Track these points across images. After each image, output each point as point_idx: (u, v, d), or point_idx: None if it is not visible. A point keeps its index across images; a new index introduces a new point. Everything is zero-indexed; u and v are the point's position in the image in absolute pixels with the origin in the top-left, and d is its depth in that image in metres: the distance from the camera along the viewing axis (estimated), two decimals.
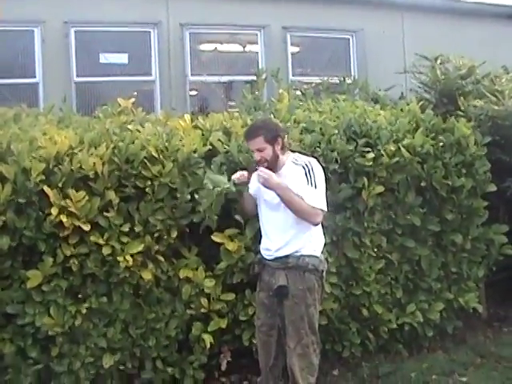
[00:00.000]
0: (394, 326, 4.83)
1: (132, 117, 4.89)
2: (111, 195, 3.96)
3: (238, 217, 4.24)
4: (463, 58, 6.11)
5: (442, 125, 5.09)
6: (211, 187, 3.82)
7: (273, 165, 3.75)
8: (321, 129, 4.64)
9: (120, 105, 5.05)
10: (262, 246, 3.93)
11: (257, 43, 9.01)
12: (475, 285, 5.26)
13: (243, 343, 4.37)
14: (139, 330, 4.14)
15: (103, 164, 3.93)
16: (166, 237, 4.14)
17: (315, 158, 3.98)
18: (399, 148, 4.66)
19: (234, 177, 3.88)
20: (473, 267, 5.22)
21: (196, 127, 4.60)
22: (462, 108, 5.52)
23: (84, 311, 3.94)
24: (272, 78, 6.60)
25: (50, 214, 3.78)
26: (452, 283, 5.15)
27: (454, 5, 9.71)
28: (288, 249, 3.76)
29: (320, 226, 3.84)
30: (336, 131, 4.60)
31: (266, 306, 3.91)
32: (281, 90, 5.72)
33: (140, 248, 3.98)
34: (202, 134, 4.50)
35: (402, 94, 6.70)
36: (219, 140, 4.39)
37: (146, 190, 4.06)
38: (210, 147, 4.35)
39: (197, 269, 4.21)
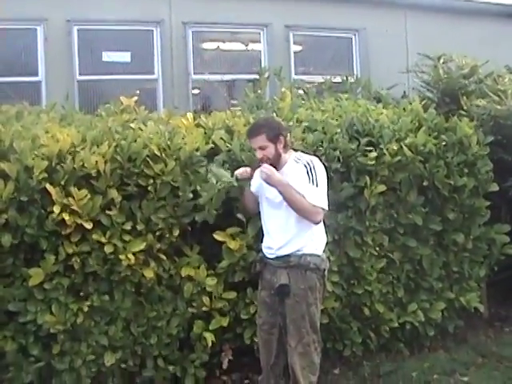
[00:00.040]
0: (396, 325, 4.82)
1: (134, 115, 4.90)
2: (113, 193, 3.96)
3: (239, 215, 4.24)
4: (466, 58, 6.10)
5: (444, 124, 5.09)
6: (214, 181, 3.83)
7: (275, 163, 3.75)
8: (323, 128, 4.63)
9: (122, 103, 5.06)
10: (264, 245, 3.93)
11: (259, 42, 9.01)
12: (477, 284, 5.25)
13: (244, 342, 4.37)
14: (141, 328, 4.15)
15: (105, 162, 3.94)
16: (167, 235, 4.14)
17: (317, 156, 3.98)
18: (401, 147, 4.66)
19: (237, 172, 3.90)
20: (474, 267, 5.21)
21: (198, 126, 4.60)
22: (465, 107, 5.51)
23: (86, 309, 3.94)
24: (274, 77, 6.60)
25: (52, 211, 3.78)
26: (453, 283, 5.15)
27: (456, 4, 9.70)
28: (290, 247, 3.76)
29: (322, 224, 3.84)
30: (338, 130, 4.60)
31: (268, 304, 3.91)
32: (283, 89, 5.71)
33: (142, 246, 3.99)
34: (205, 133, 4.50)
35: (405, 92, 6.70)
36: (221, 138, 4.39)
37: (149, 188, 4.06)
38: (213, 146, 4.35)
39: (198, 267, 4.21)
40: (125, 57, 8.24)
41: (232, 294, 4.31)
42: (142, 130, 4.31)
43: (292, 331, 3.77)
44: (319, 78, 7.20)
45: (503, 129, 5.39)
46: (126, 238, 3.99)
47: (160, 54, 8.36)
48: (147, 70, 8.42)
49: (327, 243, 3.96)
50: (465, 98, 5.61)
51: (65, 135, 3.98)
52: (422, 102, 5.34)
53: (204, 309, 4.25)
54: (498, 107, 5.40)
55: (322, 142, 4.48)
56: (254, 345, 4.30)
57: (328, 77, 6.93)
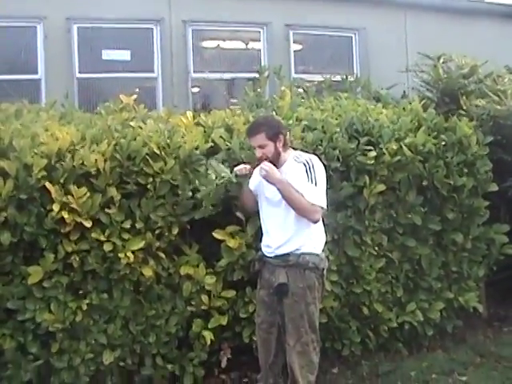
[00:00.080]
0: (394, 324, 4.83)
1: (134, 113, 4.89)
2: (113, 192, 3.96)
3: (239, 214, 4.25)
4: (465, 57, 6.10)
5: (443, 124, 5.09)
6: (213, 177, 3.84)
7: (274, 162, 3.75)
8: (323, 127, 4.63)
9: (122, 101, 5.04)
10: (263, 243, 3.93)
11: (259, 40, 9.00)
12: (475, 284, 5.26)
13: (243, 340, 4.37)
14: (139, 327, 4.15)
15: (105, 160, 3.93)
16: (167, 233, 4.14)
17: (316, 155, 3.98)
18: (401, 147, 4.66)
19: (236, 169, 3.90)
20: (473, 267, 5.22)
21: (198, 124, 4.61)
22: (464, 107, 5.51)
23: (84, 307, 3.94)
24: (274, 76, 6.60)
25: (52, 210, 3.78)
26: (452, 282, 5.15)
27: (456, 3, 9.70)
28: (288, 246, 3.76)
29: (321, 223, 3.85)
30: (338, 129, 4.60)
31: (267, 303, 3.91)
32: (283, 88, 5.71)
33: (141, 245, 3.99)
34: (204, 131, 4.50)
35: (404, 92, 6.69)
36: (221, 137, 4.39)
37: (148, 186, 4.06)
38: (212, 144, 4.35)
39: (197, 266, 4.21)
40: (124, 55, 8.23)
41: (231, 293, 4.31)
42: (141, 129, 4.31)
43: (291, 330, 3.77)
44: (319, 77, 7.21)
45: (503, 129, 5.40)
46: (125, 236, 3.99)
47: (160, 52, 8.35)
48: (147, 68, 8.41)
49: (326, 242, 3.96)
50: (464, 97, 5.61)
51: (64, 133, 3.98)
52: (422, 102, 5.34)
53: (203, 307, 4.25)
54: (498, 107, 5.41)
55: (322, 141, 4.48)
56: (252, 344, 4.30)
57: (328, 76, 6.93)
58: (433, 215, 4.94)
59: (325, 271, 3.86)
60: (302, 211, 3.68)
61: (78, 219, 3.84)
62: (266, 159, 3.74)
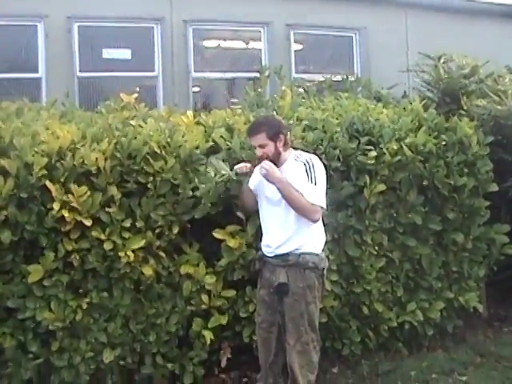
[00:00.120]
0: (395, 324, 4.83)
1: (134, 112, 4.90)
2: (113, 190, 3.96)
3: (239, 213, 4.24)
4: (466, 57, 6.11)
5: (444, 124, 5.09)
6: (212, 174, 3.84)
7: (275, 161, 3.75)
8: (323, 126, 4.63)
9: (123, 100, 5.06)
10: (263, 243, 3.93)
11: (260, 40, 9.00)
12: (476, 284, 5.26)
13: (243, 340, 4.37)
14: (139, 326, 4.15)
15: (105, 159, 3.93)
16: (167, 232, 4.14)
17: (317, 155, 3.98)
18: (401, 146, 4.65)
19: (236, 167, 3.91)
20: (474, 266, 5.22)
21: (198, 123, 4.61)
22: (465, 107, 5.51)
23: (85, 306, 3.94)
24: (275, 75, 6.60)
25: (52, 208, 3.78)
26: (453, 282, 5.15)
27: (457, 3, 9.69)
28: (288, 246, 3.75)
29: (321, 223, 3.85)
30: (338, 129, 4.60)
31: (267, 302, 3.91)
32: (283, 87, 5.72)
33: (141, 243, 3.99)
34: (205, 131, 4.50)
35: (405, 92, 6.70)
36: (221, 136, 4.39)
37: (148, 185, 4.06)
38: (213, 143, 4.35)
39: (198, 265, 4.21)
40: (125, 54, 8.23)
41: (231, 292, 4.31)
42: (142, 128, 4.31)
43: (291, 330, 3.77)
44: (319, 77, 7.22)
45: (503, 129, 5.40)
46: (126, 235, 3.99)
47: (160, 51, 8.35)
48: (147, 67, 8.41)
49: (326, 242, 3.96)
50: (465, 97, 5.62)
51: (65, 132, 3.98)
52: (423, 102, 5.34)
53: (203, 307, 4.25)
54: (499, 107, 5.41)
55: (322, 141, 4.48)
56: (252, 343, 4.30)
57: (328, 75, 6.94)
58: (433, 215, 4.94)
59: (325, 271, 3.86)
60: (301, 211, 3.68)
61: (79, 218, 3.84)
62: (266, 159, 3.74)
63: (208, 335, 4.20)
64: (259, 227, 4.05)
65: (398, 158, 4.63)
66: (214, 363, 4.44)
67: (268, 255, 3.86)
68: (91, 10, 7.75)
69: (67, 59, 7.86)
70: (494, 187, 5.18)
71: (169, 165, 4.07)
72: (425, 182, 4.84)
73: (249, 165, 3.89)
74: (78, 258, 3.90)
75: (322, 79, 6.91)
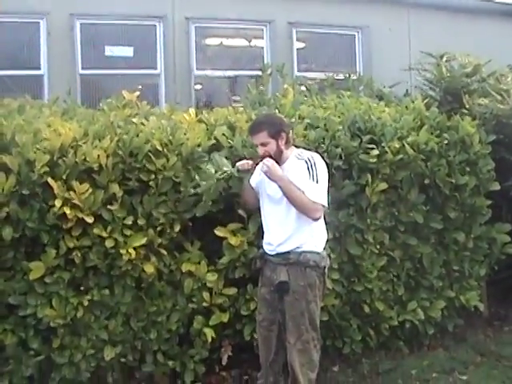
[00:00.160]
0: (395, 323, 4.83)
1: (136, 110, 4.90)
2: (115, 188, 3.96)
3: (241, 211, 4.24)
4: (469, 56, 6.10)
5: (446, 123, 5.08)
6: (213, 171, 3.84)
7: (276, 159, 3.75)
8: (325, 125, 4.63)
9: (125, 98, 5.05)
10: (264, 241, 3.93)
11: (262, 38, 8.99)
12: (477, 283, 5.26)
13: (244, 338, 4.37)
14: (140, 323, 4.15)
15: (107, 157, 3.93)
16: (168, 230, 4.14)
17: (319, 153, 3.98)
18: (403, 145, 4.65)
19: (238, 164, 3.91)
20: (475, 266, 5.22)
21: (200, 121, 4.60)
22: (467, 106, 5.51)
23: (86, 303, 3.94)
24: (277, 74, 6.61)
25: (54, 205, 3.78)
26: (454, 281, 5.15)
27: (459, 2, 9.67)
28: (289, 244, 3.75)
29: (322, 221, 3.84)
30: (340, 127, 4.60)
31: (268, 301, 3.91)
32: (286, 86, 5.72)
33: (143, 241, 3.99)
34: (207, 129, 4.50)
35: (407, 91, 6.69)
36: (223, 134, 4.39)
37: (150, 183, 4.06)
38: (215, 141, 4.35)
39: (199, 263, 4.22)
40: (127, 51, 8.23)
41: (232, 290, 4.31)
42: (144, 125, 4.31)
43: (291, 328, 3.77)
44: (321, 75, 7.21)
45: (505, 128, 5.39)
46: (127, 232, 4.00)
47: (163, 49, 8.34)
48: (150, 65, 8.40)
49: (328, 240, 3.96)
50: (467, 96, 5.61)
51: (67, 129, 3.98)
52: (425, 101, 5.34)
53: (204, 304, 4.25)
54: (501, 106, 5.40)
55: (324, 139, 4.48)
56: (253, 341, 4.30)
57: (330, 74, 6.93)
58: (435, 214, 4.94)
59: (326, 269, 3.86)
60: (302, 209, 3.68)
61: (80, 215, 3.84)
62: (268, 157, 3.74)
63: (209, 333, 4.20)
64: (261, 225, 4.05)
65: (400, 156, 4.62)
66: (215, 361, 4.44)
67: (269, 253, 3.86)
68: (93, 8, 7.75)
69: (69, 57, 7.85)
70: (496, 186, 5.18)
71: (170, 163, 4.07)
72: (426, 181, 4.83)
73: (251, 162, 3.89)
74: (79, 255, 3.90)
75: (324, 77, 6.91)
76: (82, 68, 7.96)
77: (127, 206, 4.04)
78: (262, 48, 8.99)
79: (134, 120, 4.44)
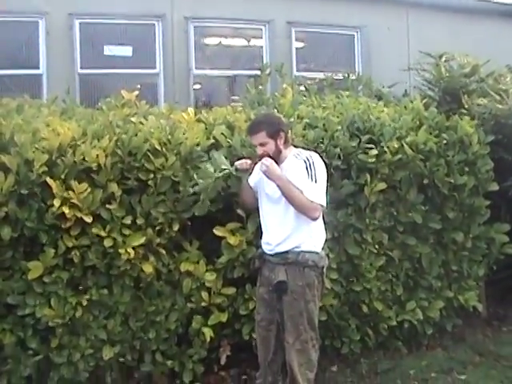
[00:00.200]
0: (394, 323, 4.83)
1: (135, 109, 4.90)
2: (114, 187, 3.96)
3: (239, 211, 4.24)
4: (467, 56, 6.11)
5: (445, 123, 5.09)
6: (212, 170, 3.84)
7: (275, 159, 3.74)
8: (324, 125, 4.63)
9: (123, 97, 5.05)
10: (263, 241, 3.92)
11: (261, 38, 8.99)
12: (475, 283, 5.26)
13: (243, 337, 4.37)
14: (139, 323, 4.15)
15: (106, 156, 3.93)
16: (167, 230, 4.14)
17: (317, 153, 3.98)
18: (402, 145, 4.65)
19: (237, 163, 3.90)
20: (473, 266, 5.22)
21: (199, 121, 4.60)
22: (466, 106, 5.51)
23: (84, 303, 3.94)
24: (276, 73, 6.60)
25: (52, 205, 3.78)
26: (452, 281, 5.15)
27: (458, 2, 9.68)
28: (288, 244, 3.75)
29: (321, 221, 3.84)
30: (339, 127, 4.60)
31: (266, 301, 3.91)
32: (284, 85, 5.72)
33: (141, 241, 3.99)
34: (206, 128, 4.50)
35: (406, 91, 6.69)
36: (222, 134, 4.39)
37: (149, 182, 4.06)
38: (213, 141, 4.35)
39: (198, 262, 4.21)
40: (126, 51, 8.23)
41: (231, 290, 4.31)
42: (142, 125, 4.31)
43: (290, 328, 3.77)
44: (320, 75, 7.20)
45: (504, 128, 5.40)
46: (126, 232, 3.99)
47: (161, 48, 8.34)
48: (148, 64, 8.40)
49: (326, 240, 3.96)
50: (466, 96, 5.61)
51: (65, 129, 3.98)
52: (423, 101, 5.35)
53: (203, 304, 4.25)
54: (499, 106, 5.41)
55: (323, 139, 4.48)
56: (252, 341, 4.30)
57: (329, 74, 6.92)
58: (433, 214, 4.94)
59: (325, 269, 3.86)
60: (301, 208, 3.68)
61: (79, 214, 3.84)
62: (266, 157, 3.74)
63: (208, 333, 4.20)
64: (259, 225, 4.04)
65: (399, 156, 4.63)
66: (214, 361, 4.44)
67: (268, 253, 3.86)
68: (92, 7, 7.75)
69: (68, 56, 7.85)
70: (494, 186, 5.18)
71: (169, 162, 4.07)
72: (425, 181, 4.84)
73: (249, 161, 3.89)
74: (78, 254, 3.90)
75: (323, 77, 6.90)
76: (81, 67, 7.96)
77: (126, 206, 4.04)
78: (261, 47, 8.99)
79: (133, 119, 4.43)
